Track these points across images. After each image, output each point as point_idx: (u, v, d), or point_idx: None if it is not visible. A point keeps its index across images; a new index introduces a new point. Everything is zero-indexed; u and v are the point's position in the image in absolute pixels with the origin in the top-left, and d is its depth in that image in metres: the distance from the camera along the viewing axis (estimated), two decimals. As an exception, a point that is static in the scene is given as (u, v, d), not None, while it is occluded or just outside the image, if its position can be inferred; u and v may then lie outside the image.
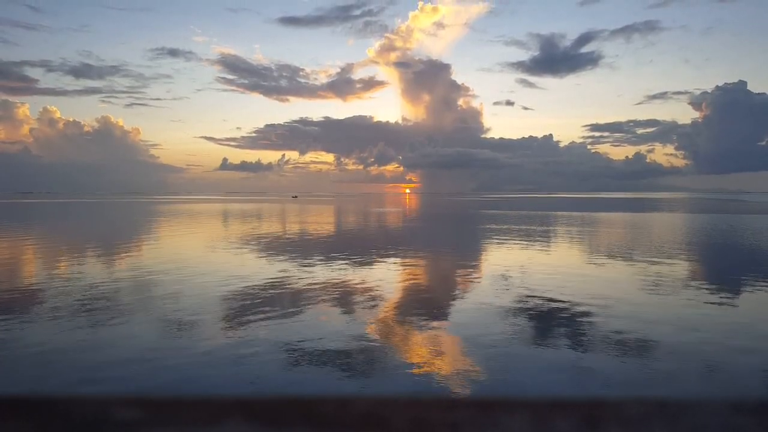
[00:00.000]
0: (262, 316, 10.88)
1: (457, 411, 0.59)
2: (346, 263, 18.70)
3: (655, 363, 8.02)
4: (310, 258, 20.10)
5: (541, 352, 8.62)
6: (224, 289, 13.70)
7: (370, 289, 13.81)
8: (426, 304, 12.23)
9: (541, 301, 12.25)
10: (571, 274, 16.42)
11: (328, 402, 0.60)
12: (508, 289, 13.70)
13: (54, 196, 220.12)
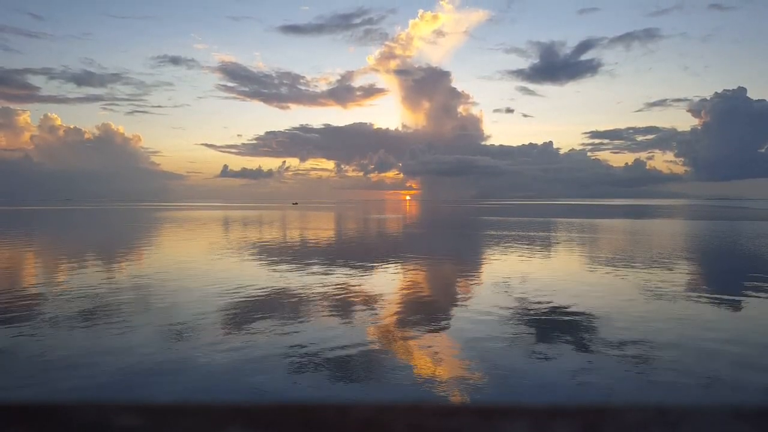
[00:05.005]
0: (262, 322, 10.89)
1: (457, 418, 0.59)
2: (346, 270, 18.71)
3: (655, 370, 8.03)
4: (311, 265, 20.11)
5: (541, 358, 8.64)
6: (226, 295, 13.71)
7: (370, 296, 13.82)
8: (426, 310, 12.24)
9: (541, 309, 12.26)
10: (570, 281, 16.44)
11: (329, 409, 0.60)
12: (507, 296, 13.71)
13: (54, 203, 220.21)
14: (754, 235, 35.78)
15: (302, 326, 10.65)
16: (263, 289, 14.83)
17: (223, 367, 8.11)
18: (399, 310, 12.46)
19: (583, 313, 11.71)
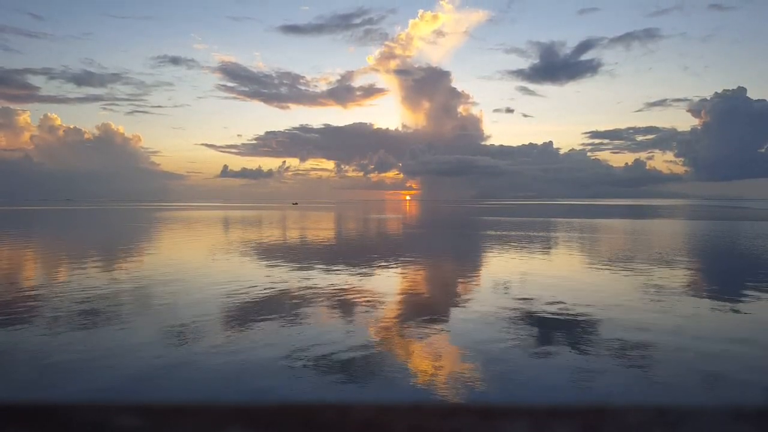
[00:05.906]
0: (262, 322, 10.91)
1: (457, 418, 0.59)
2: (346, 270, 18.73)
3: (655, 370, 8.05)
4: (311, 265, 20.13)
5: (541, 358, 8.65)
6: (226, 295, 13.73)
7: (371, 296, 13.83)
8: (426, 311, 12.25)
9: (540, 309, 12.28)
10: (570, 281, 16.45)
11: (329, 409, 0.60)
12: (507, 297, 13.73)
13: (54, 203, 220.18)
14: (753, 235, 35.80)
15: (302, 326, 10.67)
16: (263, 289, 14.84)
17: (223, 367, 8.13)
18: (399, 310, 12.47)
19: (583, 313, 11.73)
